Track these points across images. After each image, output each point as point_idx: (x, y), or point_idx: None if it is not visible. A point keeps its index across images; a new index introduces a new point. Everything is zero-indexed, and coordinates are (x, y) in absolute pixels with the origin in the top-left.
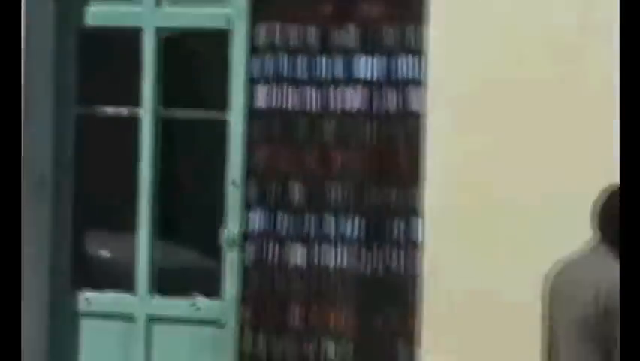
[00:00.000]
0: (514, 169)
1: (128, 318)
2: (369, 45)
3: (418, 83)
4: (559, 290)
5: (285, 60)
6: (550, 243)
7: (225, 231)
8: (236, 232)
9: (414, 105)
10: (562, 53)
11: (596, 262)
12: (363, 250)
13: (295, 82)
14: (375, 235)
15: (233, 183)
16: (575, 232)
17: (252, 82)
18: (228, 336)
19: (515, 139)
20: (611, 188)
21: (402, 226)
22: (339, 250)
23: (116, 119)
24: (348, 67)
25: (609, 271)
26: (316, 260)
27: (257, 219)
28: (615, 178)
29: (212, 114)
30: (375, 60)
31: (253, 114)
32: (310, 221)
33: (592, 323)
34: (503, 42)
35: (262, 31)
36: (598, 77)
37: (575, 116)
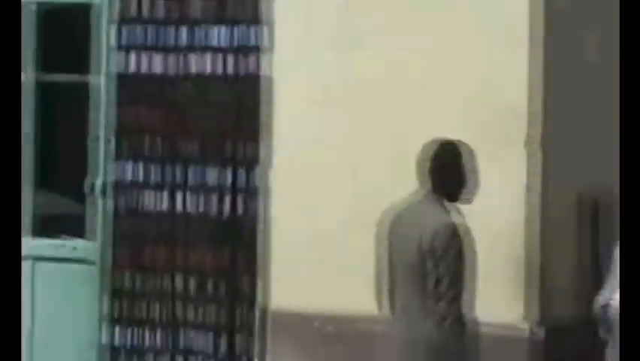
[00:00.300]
0: (351, 127)
1: None
2: (223, 16)
3: (265, 49)
4: (393, 234)
5: (149, 30)
6: (380, 193)
7: (96, 181)
8: (105, 181)
9: (261, 70)
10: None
11: (425, 209)
12: (218, 197)
13: (158, 49)
14: (227, 183)
15: (102, 138)
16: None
17: (121, 49)
18: (101, 274)
19: (352, 101)
20: (438, 141)
21: (251, 175)
22: (196, 197)
23: None
24: (204, 35)
25: (434, 216)
26: (177, 206)
27: (126, 171)
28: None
29: (84, 78)
30: (227, 29)
31: (123, 78)
32: (172, 172)
33: (416, 260)
34: (346, 11)
35: (130, 3)
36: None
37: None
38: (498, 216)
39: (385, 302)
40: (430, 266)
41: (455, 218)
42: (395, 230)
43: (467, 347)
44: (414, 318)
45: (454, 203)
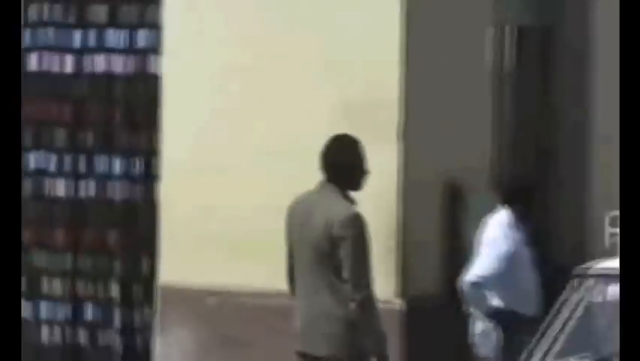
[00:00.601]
0: (239, 122)
1: None
2: (116, 20)
3: (155, 51)
4: (295, 219)
5: (51, 32)
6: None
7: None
8: None
9: (152, 69)
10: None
11: (329, 198)
12: (117, 184)
13: (58, 50)
14: (125, 171)
15: None
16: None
17: (26, 50)
18: None
19: (240, 95)
20: (338, 135)
21: (144, 163)
22: (95, 183)
23: None
24: (99, 37)
25: (340, 205)
26: (79, 192)
27: (32, 160)
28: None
29: None
30: (121, 32)
31: (29, 76)
32: (75, 161)
33: (323, 245)
34: (228, 21)
35: (34, 7)
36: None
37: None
38: (373, 208)
39: (289, 286)
40: (341, 251)
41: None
42: (300, 218)
43: (376, 323)
44: (323, 299)
45: (350, 192)
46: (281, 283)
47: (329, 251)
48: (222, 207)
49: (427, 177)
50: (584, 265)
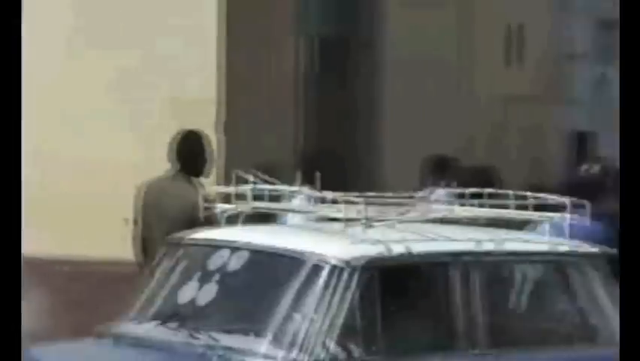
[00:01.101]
0: (89, 114)
1: None
2: None
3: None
4: (150, 200)
5: None
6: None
7: None
8: None
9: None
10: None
11: (179, 184)
12: None
13: None
14: None
15: None
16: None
17: None
18: None
19: (88, 96)
20: (185, 130)
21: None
22: None
23: None
24: None
25: (188, 189)
26: None
27: None
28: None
29: None
30: None
31: None
32: None
33: (180, 223)
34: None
35: None
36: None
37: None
38: None
39: (142, 256)
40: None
41: (202, 191)
42: (155, 200)
43: None
44: None
45: (198, 178)
46: (123, 253)
47: (185, 228)
48: (73, 194)
49: (243, 163)
50: (177, 235)
